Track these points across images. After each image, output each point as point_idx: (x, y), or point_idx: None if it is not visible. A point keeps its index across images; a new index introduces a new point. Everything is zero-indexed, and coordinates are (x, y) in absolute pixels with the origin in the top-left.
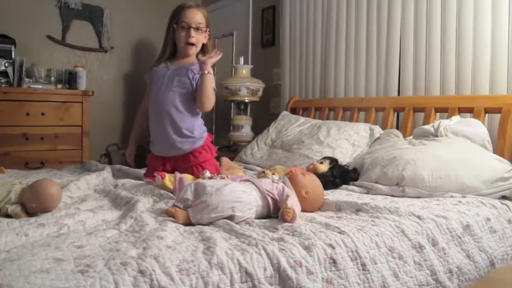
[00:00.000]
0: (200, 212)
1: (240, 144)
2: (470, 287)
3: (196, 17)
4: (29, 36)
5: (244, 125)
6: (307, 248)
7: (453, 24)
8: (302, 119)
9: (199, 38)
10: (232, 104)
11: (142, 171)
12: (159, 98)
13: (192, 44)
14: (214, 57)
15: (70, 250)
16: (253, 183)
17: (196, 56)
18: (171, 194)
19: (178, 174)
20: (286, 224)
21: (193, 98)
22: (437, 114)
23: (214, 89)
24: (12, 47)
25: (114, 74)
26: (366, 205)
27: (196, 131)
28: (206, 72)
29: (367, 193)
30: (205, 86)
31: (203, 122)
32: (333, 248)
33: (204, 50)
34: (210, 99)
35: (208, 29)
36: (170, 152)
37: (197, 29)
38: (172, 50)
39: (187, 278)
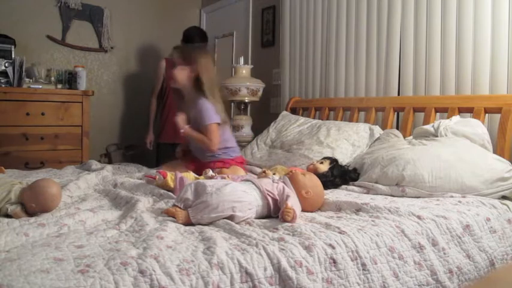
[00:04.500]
0: (200, 212)
1: (240, 144)
2: (470, 287)
3: None
4: (29, 36)
5: (244, 125)
6: (307, 248)
7: (453, 24)
8: (302, 119)
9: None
10: (232, 104)
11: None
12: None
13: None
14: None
15: (70, 250)
16: (254, 183)
17: None
18: (171, 194)
19: (179, 174)
20: (287, 224)
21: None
22: (437, 114)
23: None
24: (12, 47)
25: (114, 74)
26: (366, 205)
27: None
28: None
29: (367, 193)
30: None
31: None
32: (333, 248)
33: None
34: (203, 143)
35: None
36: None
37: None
38: None
39: (187, 278)
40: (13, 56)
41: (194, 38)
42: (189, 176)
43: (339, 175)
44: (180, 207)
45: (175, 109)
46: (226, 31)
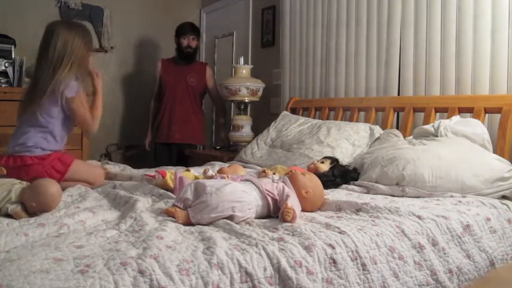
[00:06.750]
0: (200, 212)
1: (240, 144)
2: (470, 287)
3: None
4: (29, 36)
5: (244, 125)
6: (307, 248)
7: (453, 24)
8: (302, 119)
9: None
10: (232, 104)
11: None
12: None
13: None
14: None
15: (70, 250)
16: (253, 183)
17: None
18: (171, 194)
19: (178, 174)
20: (286, 224)
21: None
22: (437, 114)
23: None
24: (12, 47)
25: (114, 74)
26: (366, 205)
27: None
28: None
29: (367, 193)
30: None
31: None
32: (333, 248)
33: None
34: None
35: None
36: None
37: None
38: None
39: (187, 278)
40: (13, 56)
41: (185, 28)
42: (189, 175)
43: (339, 175)
44: (179, 207)
45: (170, 110)
46: (226, 31)
